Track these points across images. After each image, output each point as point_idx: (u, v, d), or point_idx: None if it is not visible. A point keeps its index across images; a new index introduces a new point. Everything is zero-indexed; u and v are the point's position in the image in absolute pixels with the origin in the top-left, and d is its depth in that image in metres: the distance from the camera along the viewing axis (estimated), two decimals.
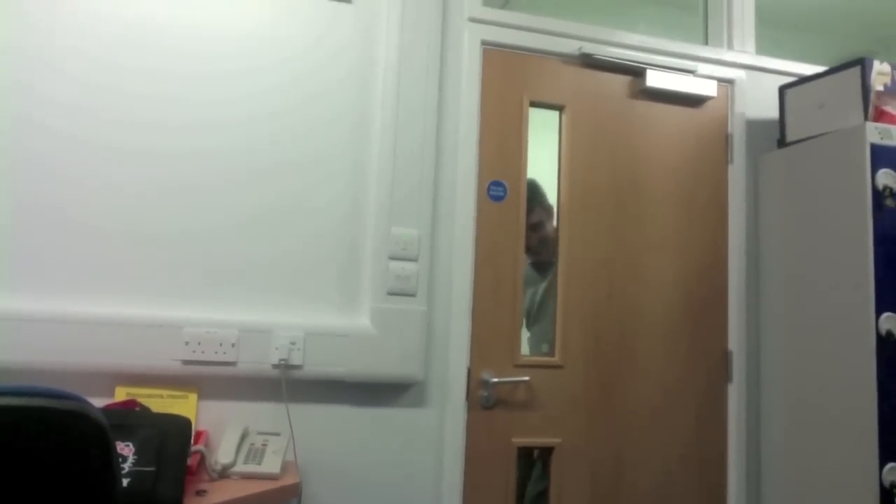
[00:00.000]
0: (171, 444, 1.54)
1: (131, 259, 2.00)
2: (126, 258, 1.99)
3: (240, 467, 1.82)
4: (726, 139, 2.56)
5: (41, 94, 1.97)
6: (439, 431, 2.18)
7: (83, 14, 2.02)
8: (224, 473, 1.79)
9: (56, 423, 1.26)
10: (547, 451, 2.31)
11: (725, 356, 2.47)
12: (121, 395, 1.89)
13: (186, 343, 1.96)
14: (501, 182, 2.32)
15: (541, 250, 2.44)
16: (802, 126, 2.41)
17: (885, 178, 2.08)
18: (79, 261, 1.96)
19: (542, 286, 2.45)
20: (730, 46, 2.63)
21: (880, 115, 2.22)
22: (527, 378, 2.24)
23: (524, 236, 2.33)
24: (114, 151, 2.01)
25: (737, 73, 2.57)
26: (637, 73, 2.46)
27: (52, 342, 1.86)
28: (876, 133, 2.12)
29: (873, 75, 2.22)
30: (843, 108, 2.27)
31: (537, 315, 2.45)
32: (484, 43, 2.34)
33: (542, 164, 2.50)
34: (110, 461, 1.26)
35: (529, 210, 2.37)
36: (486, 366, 2.24)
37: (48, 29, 1.99)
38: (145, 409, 1.69)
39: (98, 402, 1.46)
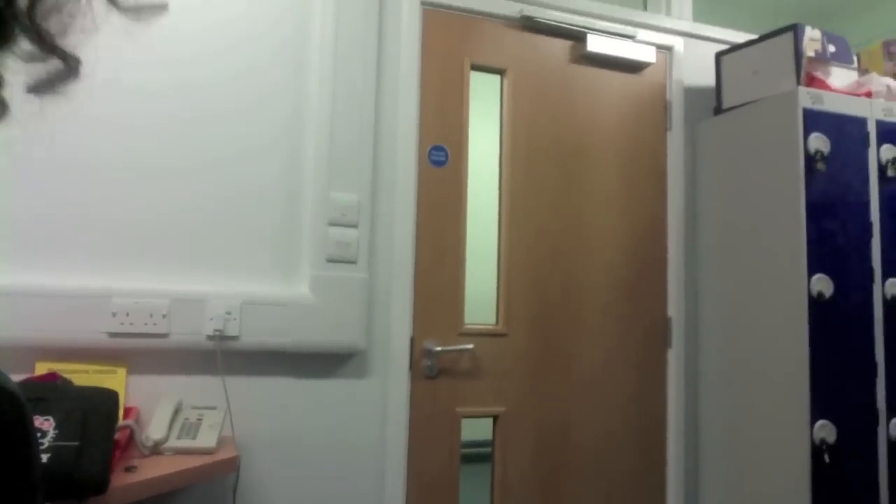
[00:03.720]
0: (96, 417, 1.44)
1: (52, 223, 1.87)
2: (45, 223, 1.86)
3: (173, 442, 1.73)
4: (665, 106, 2.58)
5: None
6: (382, 402, 2.13)
7: None
8: (156, 450, 1.71)
9: None
10: (492, 420, 2.30)
11: (665, 322, 2.51)
12: (41, 370, 1.77)
13: (114, 314, 1.85)
14: (443, 147, 2.28)
15: None
16: (738, 93, 2.45)
17: (816, 142, 2.13)
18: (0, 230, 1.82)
19: None
20: (668, 13, 2.64)
21: (811, 81, 2.27)
22: (471, 346, 2.22)
23: (466, 201, 2.29)
24: (34, 116, 1.86)
25: (675, 39, 2.59)
26: (578, 37, 2.45)
27: None
28: (808, 98, 2.17)
29: (805, 41, 2.26)
30: (777, 74, 2.31)
31: None
32: (424, 3, 2.27)
33: (484, 131, 2.47)
34: (27, 435, 1.17)
35: None
36: (429, 335, 2.21)
37: None
38: (67, 382, 1.59)
39: (16, 379, 1.35)
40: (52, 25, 0.34)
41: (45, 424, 1.38)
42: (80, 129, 1.90)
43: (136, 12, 0.36)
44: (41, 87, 0.36)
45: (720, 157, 2.47)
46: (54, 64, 0.35)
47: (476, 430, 2.41)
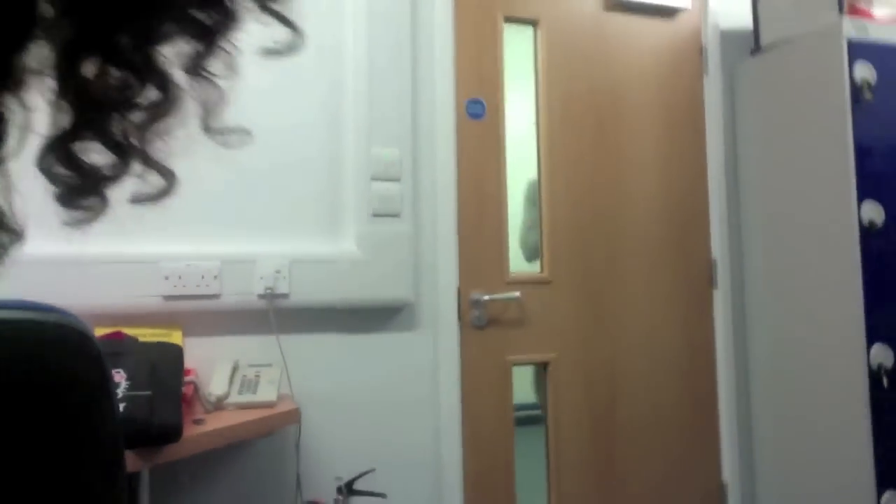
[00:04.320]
0: (164, 370, 1.46)
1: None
2: None
3: (234, 398, 1.76)
4: (700, 50, 2.54)
5: None
6: (433, 354, 2.14)
7: None
8: (219, 405, 1.73)
9: (40, 339, 1.18)
10: (541, 367, 2.31)
11: (710, 264, 2.49)
12: (101, 335, 1.79)
13: (166, 277, 1.88)
14: (479, 100, 2.26)
15: None
16: (776, 31, 2.40)
17: (862, 71, 2.09)
18: (45, 196, 1.84)
19: None
20: None
21: (854, 12, 2.22)
22: (517, 294, 2.22)
23: (505, 153, 2.28)
24: None
25: None
26: None
27: (23, 284, 1.75)
28: (852, 28, 2.12)
29: None
30: (817, 6, 2.26)
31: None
32: None
33: (520, 83, 2.45)
34: (107, 383, 1.19)
35: None
36: (475, 285, 2.21)
37: None
38: (132, 339, 1.61)
39: None
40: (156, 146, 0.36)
41: (117, 376, 1.40)
42: None
43: (224, 137, 0.38)
44: (141, 200, 0.38)
45: (760, 97, 2.43)
46: (155, 180, 0.38)
47: (527, 392, 2.41)
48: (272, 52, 0.37)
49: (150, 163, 0.36)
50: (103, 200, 0.35)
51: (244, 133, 0.41)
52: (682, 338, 2.44)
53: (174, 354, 1.53)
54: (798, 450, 2.26)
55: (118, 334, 1.64)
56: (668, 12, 2.49)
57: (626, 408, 2.35)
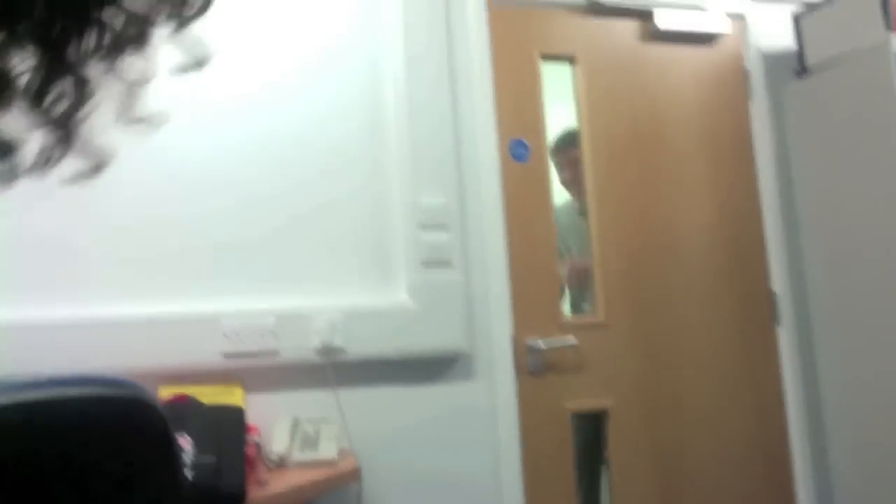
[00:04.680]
0: (228, 432, 1.47)
1: (158, 252, 1.93)
2: (152, 251, 1.93)
3: (296, 456, 1.75)
4: (744, 75, 2.50)
5: None
6: (491, 402, 2.11)
7: None
8: (281, 463, 1.73)
9: (114, 413, 1.20)
10: (600, 415, 2.24)
11: (770, 297, 2.41)
12: (165, 394, 1.82)
13: (225, 335, 1.90)
14: (522, 141, 2.26)
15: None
16: (821, 50, 2.35)
17: None
18: (109, 262, 1.89)
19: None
20: None
21: None
22: (575, 341, 2.17)
23: (552, 195, 2.27)
24: (129, 149, 1.94)
25: (747, 6, 2.51)
26: (646, 15, 2.40)
27: (89, 344, 1.79)
28: None
29: None
30: (863, 24, 2.21)
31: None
32: (489, 0, 2.27)
33: (560, 121, 2.44)
34: (174, 453, 1.19)
35: (565, 148, 2.38)
36: (529, 331, 2.17)
37: None
38: (195, 401, 1.63)
39: None
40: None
41: (184, 442, 1.41)
42: (177, 157, 1.97)
43: (142, 126, 0.38)
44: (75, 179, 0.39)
45: (810, 118, 2.37)
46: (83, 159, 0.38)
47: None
48: (182, 69, 0.38)
49: (69, 142, 0.36)
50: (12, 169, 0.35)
51: (161, 118, 0.41)
52: (746, 376, 2.35)
53: (237, 417, 1.54)
54: (878, 493, 2.14)
55: (182, 397, 1.65)
56: (707, 39, 2.47)
57: (692, 452, 2.26)
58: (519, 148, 2.25)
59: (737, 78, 2.49)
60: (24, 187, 0.36)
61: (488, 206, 2.17)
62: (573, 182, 2.43)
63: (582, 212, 2.36)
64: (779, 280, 2.40)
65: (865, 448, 2.19)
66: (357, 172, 2.09)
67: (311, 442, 1.80)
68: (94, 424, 1.24)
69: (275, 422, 1.84)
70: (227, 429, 1.48)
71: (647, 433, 2.24)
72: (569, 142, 2.40)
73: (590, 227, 2.29)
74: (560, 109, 2.43)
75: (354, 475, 1.76)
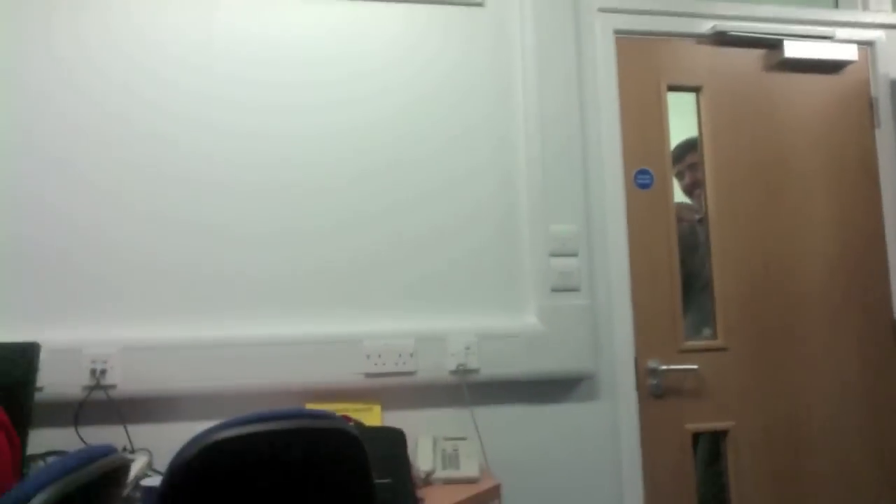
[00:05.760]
0: (395, 455, 1.58)
1: (311, 277, 2.07)
2: (304, 277, 2.06)
3: (440, 473, 1.86)
4: (871, 103, 2.48)
5: (166, 110, 2.07)
6: (614, 423, 2.18)
7: (193, 27, 2.10)
8: (427, 480, 1.84)
9: (321, 441, 1.32)
10: (721, 436, 2.29)
11: (893, 327, 2.40)
12: None
13: (367, 356, 2.02)
14: (647, 170, 2.31)
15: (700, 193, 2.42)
16: None
17: None
18: (259, 283, 2.04)
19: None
20: (865, 7, 2.55)
21: None
22: (696, 367, 2.22)
23: (675, 221, 2.31)
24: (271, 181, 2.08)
25: (875, 33, 2.49)
26: (772, 45, 2.41)
27: (249, 363, 1.94)
28: None
29: None
30: None
31: (703, 288, 2.39)
32: (616, 32, 2.32)
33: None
34: (369, 474, 1.31)
35: (683, 156, 2.44)
36: (651, 354, 2.23)
37: (155, 40, 2.08)
38: (359, 423, 1.74)
39: None
40: None
41: None
42: (341, 201, 2.10)
43: None
44: None
45: None
46: None
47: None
48: None
49: None
50: None
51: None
52: (868, 404, 2.35)
53: (400, 438, 1.65)
54: None
55: (346, 418, 1.78)
56: (833, 67, 2.46)
57: (812, 479, 2.29)
58: (644, 177, 2.30)
59: (863, 105, 2.47)
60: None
61: (614, 233, 2.23)
62: (693, 186, 2.46)
63: (702, 217, 2.39)
64: None
65: None
66: (493, 203, 2.19)
67: (452, 460, 1.90)
68: (303, 453, 1.38)
69: (415, 440, 1.95)
70: (394, 450, 1.59)
71: (766, 457, 2.27)
72: (687, 149, 2.46)
73: (709, 251, 2.33)
74: (682, 134, 2.46)
75: (496, 492, 1.85)
